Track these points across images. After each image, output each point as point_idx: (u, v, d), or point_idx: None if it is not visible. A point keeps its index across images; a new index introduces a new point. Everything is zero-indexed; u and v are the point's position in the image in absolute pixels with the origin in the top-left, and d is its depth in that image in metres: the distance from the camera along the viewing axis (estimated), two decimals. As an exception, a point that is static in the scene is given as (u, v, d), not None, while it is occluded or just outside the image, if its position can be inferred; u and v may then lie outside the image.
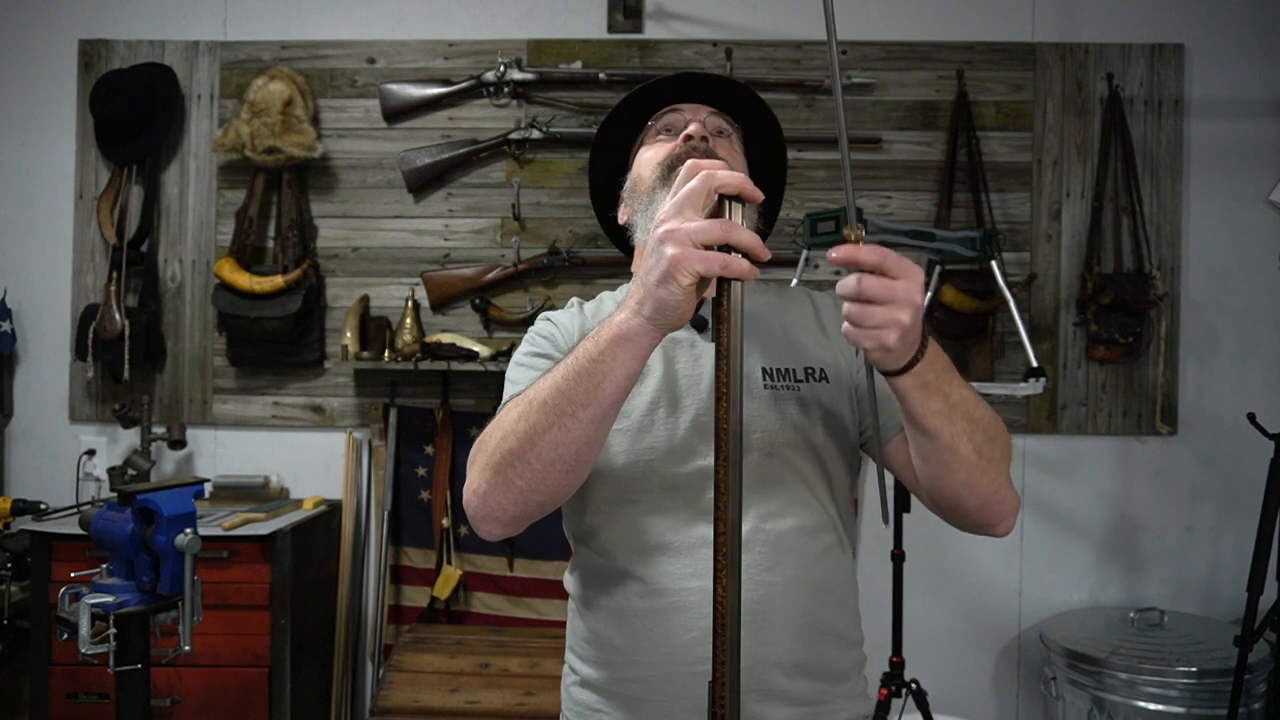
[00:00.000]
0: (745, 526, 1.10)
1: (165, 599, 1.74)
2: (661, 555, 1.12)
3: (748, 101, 1.29)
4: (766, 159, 1.33)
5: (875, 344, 0.87)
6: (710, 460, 1.07)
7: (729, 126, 1.25)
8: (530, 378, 1.12)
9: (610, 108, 1.31)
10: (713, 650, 0.86)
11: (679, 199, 0.87)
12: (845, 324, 0.88)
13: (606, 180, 1.34)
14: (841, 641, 1.19)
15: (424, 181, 2.95)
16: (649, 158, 1.22)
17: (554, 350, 1.19)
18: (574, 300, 1.32)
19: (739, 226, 0.86)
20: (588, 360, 0.94)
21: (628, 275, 1.28)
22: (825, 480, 1.19)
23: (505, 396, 1.14)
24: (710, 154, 1.14)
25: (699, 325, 1.20)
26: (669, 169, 1.15)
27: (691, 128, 1.18)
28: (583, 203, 2.95)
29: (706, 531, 1.08)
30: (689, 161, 0.91)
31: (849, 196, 0.89)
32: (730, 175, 0.86)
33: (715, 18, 2.97)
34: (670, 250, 0.84)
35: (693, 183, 0.87)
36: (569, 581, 1.25)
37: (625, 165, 1.32)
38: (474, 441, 1.09)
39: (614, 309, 1.23)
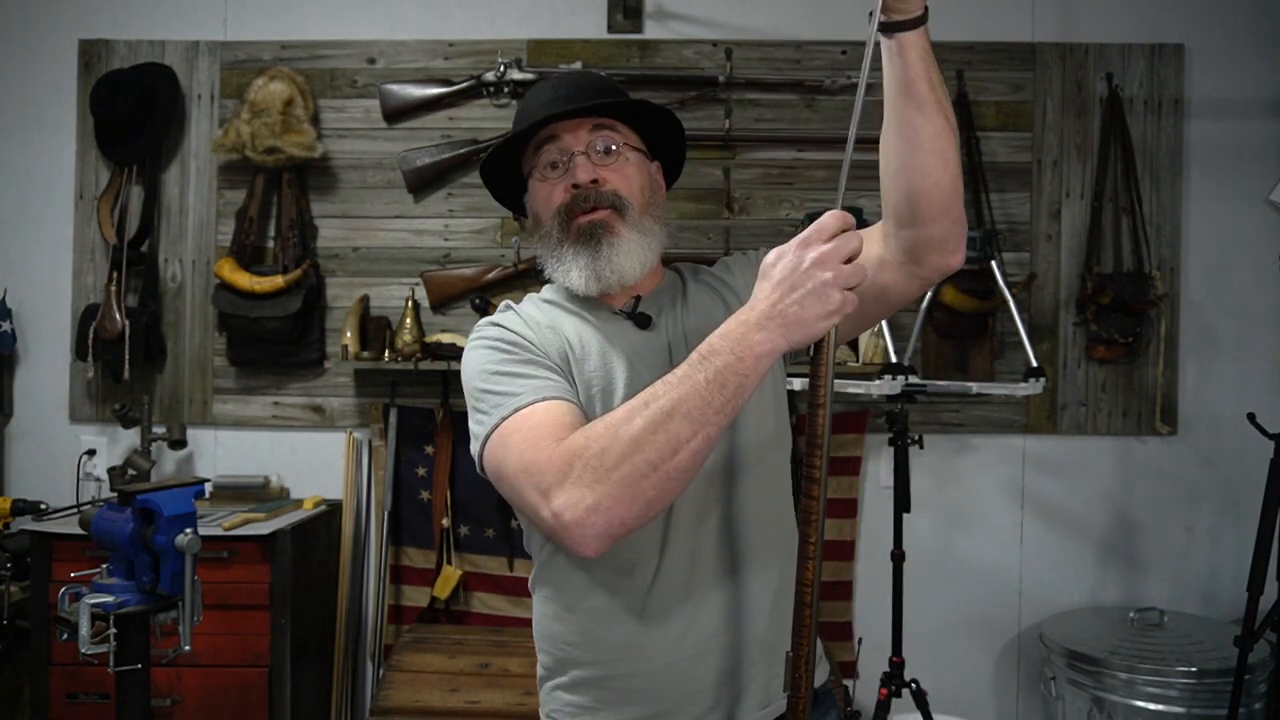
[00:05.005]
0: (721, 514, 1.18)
1: (165, 599, 1.74)
2: (647, 552, 1.15)
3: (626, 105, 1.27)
4: (664, 128, 1.32)
5: None
6: None
7: (615, 138, 1.24)
8: (533, 385, 1.10)
9: None
10: (794, 627, 1.01)
11: (834, 251, 0.97)
12: None
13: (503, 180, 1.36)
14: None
15: (424, 181, 2.95)
16: (544, 197, 1.24)
17: (537, 355, 1.16)
18: (505, 304, 1.30)
19: None
20: (729, 372, 0.98)
21: None
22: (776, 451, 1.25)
23: (505, 410, 1.10)
24: (601, 196, 1.20)
25: (642, 323, 1.23)
26: (566, 218, 1.21)
27: (578, 174, 1.20)
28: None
29: (683, 521, 1.15)
30: (830, 216, 1.00)
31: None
32: (855, 248, 0.99)
33: (715, 18, 2.97)
34: (837, 295, 0.96)
35: (842, 247, 0.98)
36: (542, 588, 1.25)
37: (519, 173, 1.32)
38: (476, 446, 1.10)
39: (538, 314, 1.24)
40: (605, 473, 0.98)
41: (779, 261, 1.00)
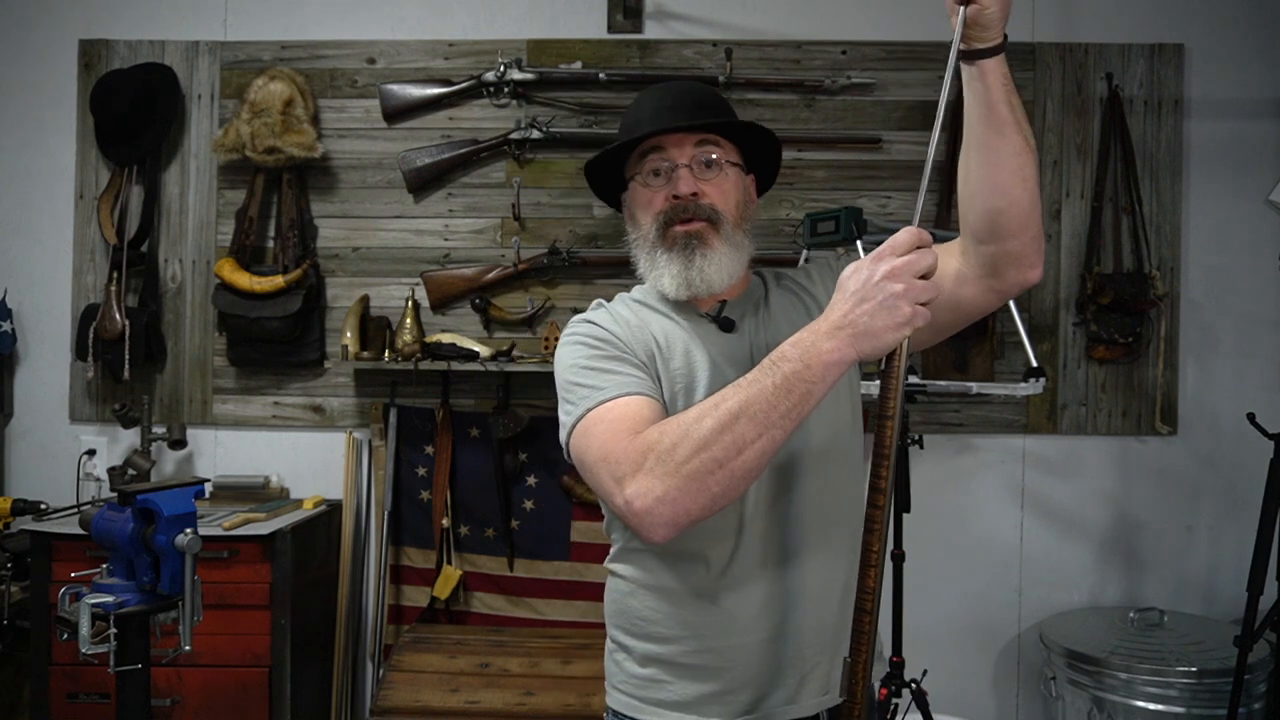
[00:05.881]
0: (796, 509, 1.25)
1: (165, 599, 1.75)
2: (723, 538, 1.22)
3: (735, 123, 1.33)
4: (760, 142, 1.38)
5: None
6: None
7: (717, 151, 1.30)
8: (616, 381, 1.19)
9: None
10: (853, 633, 1.04)
11: (907, 265, 1.01)
12: None
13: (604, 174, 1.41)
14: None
15: (424, 181, 2.95)
16: (645, 202, 1.31)
17: (625, 352, 1.24)
18: (598, 302, 1.38)
19: None
20: (796, 379, 1.03)
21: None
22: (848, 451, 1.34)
23: (590, 402, 1.18)
24: (699, 209, 1.26)
25: (726, 326, 1.30)
26: (665, 225, 1.28)
27: (680, 186, 1.26)
28: (583, 202, 2.94)
29: (759, 510, 1.23)
30: (904, 233, 1.03)
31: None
32: (930, 264, 1.02)
33: (715, 18, 2.97)
34: (907, 308, 1.00)
35: (916, 262, 1.01)
36: (620, 567, 1.32)
37: (621, 172, 1.37)
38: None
39: (629, 313, 1.32)
40: (674, 467, 1.05)
41: (854, 275, 1.04)
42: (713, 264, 1.27)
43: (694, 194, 1.27)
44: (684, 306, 1.32)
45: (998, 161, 1.10)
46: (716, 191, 1.29)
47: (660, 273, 1.28)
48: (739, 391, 1.06)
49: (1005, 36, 1.07)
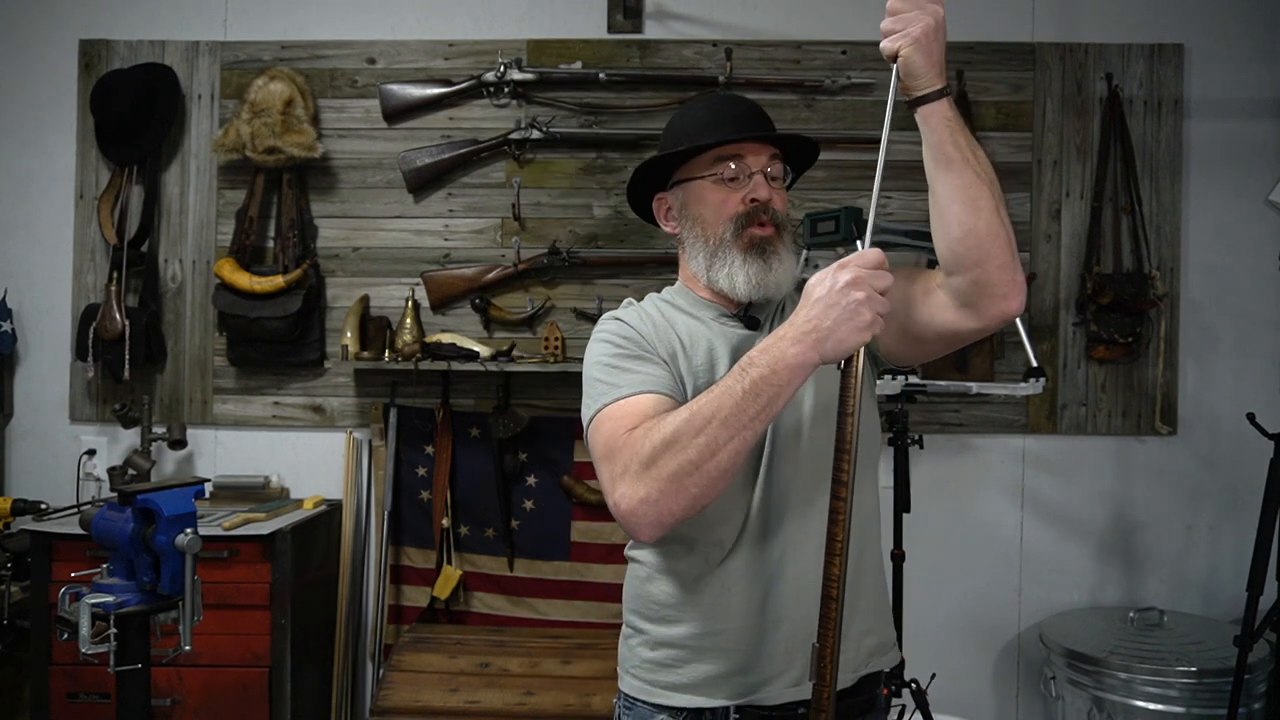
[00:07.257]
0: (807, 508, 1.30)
1: (165, 599, 1.75)
2: (735, 525, 1.28)
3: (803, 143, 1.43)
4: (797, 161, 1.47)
5: (907, 39, 1.13)
6: (767, 444, 1.30)
7: (782, 166, 1.38)
8: (633, 380, 1.25)
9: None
10: (820, 620, 1.10)
11: (871, 276, 1.09)
12: (884, 38, 1.15)
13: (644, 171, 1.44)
14: (875, 570, 1.39)
15: (424, 181, 2.96)
16: (718, 202, 1.35)
17: (645, 351, 1.30)
18: (628, 301, 1.43)
19: None
20: (763, 382, 1.11)
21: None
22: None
23: (606, 399, 1.24)
24: (775, 215, 1.34)
25: (752, 325, 1.37)
26: (741, 227, 1.33)
27: (761, 192, 1.33)
28: (583, 202, 2.94)
29: (768, 500, 1.28)
30: (871, 251, 1.12)
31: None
32: (888, 285, 1.11)
33: (715, 18, 2.97)
34: (868, 314, 1.09)
35: (879, 276, 1.10)
36: (639, 553, 1.38)
37: (664, 167, 1.41)
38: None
39: (656, 313, 1.38)
40: (654, 471, 1.13)
41: (820, 283, 1.11)
42: (784, 268, 1.34)
43: (769, 200, 1.34)
44: (710, 307, 1.38)
45: (949, 194, 1.18)
46: (781, 200, 1.36)
47: (732, 272, 1.33)
48: (711, 397, 1.12)
49: (947, 84, 1.16)
